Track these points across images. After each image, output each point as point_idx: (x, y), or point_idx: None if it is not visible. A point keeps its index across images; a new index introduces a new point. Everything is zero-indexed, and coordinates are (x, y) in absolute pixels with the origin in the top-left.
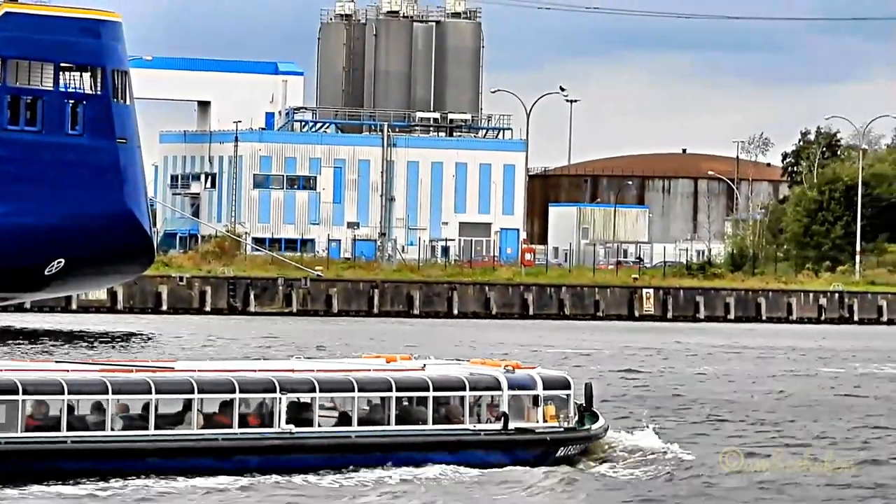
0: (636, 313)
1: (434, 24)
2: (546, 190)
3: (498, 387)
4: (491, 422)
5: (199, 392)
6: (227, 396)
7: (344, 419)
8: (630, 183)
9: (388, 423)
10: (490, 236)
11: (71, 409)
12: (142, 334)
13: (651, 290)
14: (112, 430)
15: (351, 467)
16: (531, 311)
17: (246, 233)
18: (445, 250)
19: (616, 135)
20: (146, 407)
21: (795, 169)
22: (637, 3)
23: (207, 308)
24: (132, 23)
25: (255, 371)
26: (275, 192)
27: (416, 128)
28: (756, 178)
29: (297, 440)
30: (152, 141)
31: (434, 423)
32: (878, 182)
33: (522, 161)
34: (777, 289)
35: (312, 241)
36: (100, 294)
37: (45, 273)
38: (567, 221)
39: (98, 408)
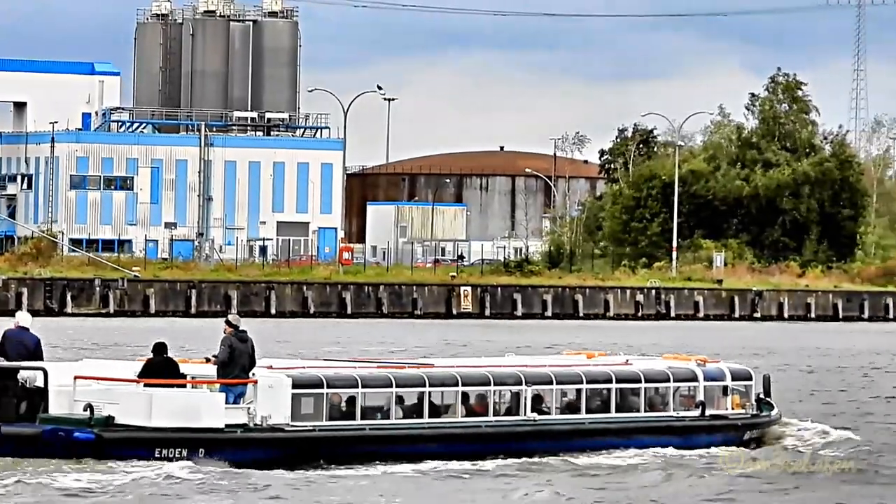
0: (454, 311)
1: (251, 23)
2: (364, 189)
3: (695, 378)
4: (689, 409)
5: (462, 385)
6: (484, 389)
7: (572, 408)
8: (448, 181)
9: (609, 412)
10: (308, 235)
11: (364, 400)
12: None
13: (469, 288)
14: (395, 418)
15: (576, 451)
16: (349, 310)
17: (61, 233)
18: (263, 250)
19: (436, 133)
20: (421, 398)
21: (612, 166)
22: (457, 2)
23: (24, 309)
24: None
25: (501, 367)
26: (91, 193)
27: (234, 127)
28: (573, 175)
29: (539, 427)
30: None
31: (643, 411)
32: (695, 179)
33: (340, 160)
34: (594, 285)
35: (130, 241)
36: None
37: None
38: (385, 220)
39: (384, 399)
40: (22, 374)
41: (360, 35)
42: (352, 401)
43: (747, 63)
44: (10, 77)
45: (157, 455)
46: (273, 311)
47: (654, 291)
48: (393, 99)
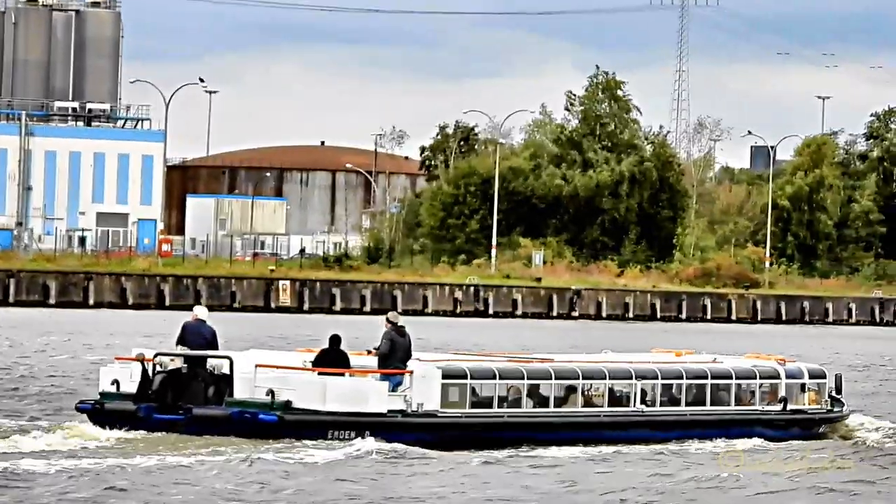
0: (272, 305)
1: (73, 13)
2: (184, 181)
3: (778, 376)
4: (772, 404)
5: (582, 378)
6: (601, 382)
7: (673, 401)
8: (268, 175)
9: (704, 404)
10: (127, 227)
11: (500, 390)
12: None
13: (288, 282)
14: (526, 407)
15: (680, 439)
16: (168, 302)
17: None
18: (82, 240)
19: (263, 127)
20: (548, 389)
21: (432, 163)
22: None
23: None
24: None
25: (613, 363)
26: None
27: (55, 117)
28: (393, 171)
29: (647, 417)
30: None
31: (733, 404)
32: (514, 176)
33: (161, 152)
34: (413, 281)
35: None
36: None
37: None
38: (205, 212)
39: (517, 390)
40: (210, 363)
41: (192, 28)
42: (490, 391)
43: (579, 63)
44: None
45: (329, 436)
46: (91, 301)
47: (472, 288)
48: (214, 92)
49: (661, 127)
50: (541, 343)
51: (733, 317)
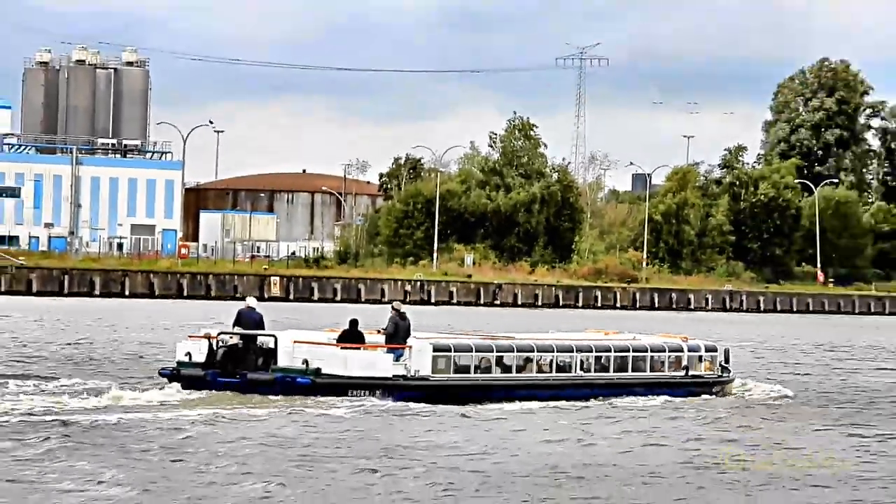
0: (266, 295)
1: (112, 70)
2: (198, 200)
3: (682, 350)
4: (677, 371)
5: (537, 351)
6: (550, 354)
7: (603, 368)
8: (262, 195)
9: (627, 371)
10: (155, 235)
11: (475, 360)
12: None
13: (277, 278)
14: (495, 373)
15: (608, 397)
16: (185, 293)
17: None
18: (120, 245)
19: (258, 157)
20: (511, 360)
21: (388, 186)
22: (275, 56)
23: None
24: None
25: (558, 339)
26: None
27: (98, 151)
28: (358, 192)
29: (585, 380)
30: None
31: (648, 371)
32: (451, 197)
33: (180, 177)
34: (373, 277)
35: (17, 237)
36: None
37: None
38: (214, 224)
39: (488, 360)
40: (259, 339)
41: (205, 80)
42: (468, 360)
43: (501, 109)
44: None
45: (349, 394)
46: (127, 293)
47: (418, 283)
48: (221, 131)
49: (563, 159)
50: (472, 324)
51: (618, 305)
